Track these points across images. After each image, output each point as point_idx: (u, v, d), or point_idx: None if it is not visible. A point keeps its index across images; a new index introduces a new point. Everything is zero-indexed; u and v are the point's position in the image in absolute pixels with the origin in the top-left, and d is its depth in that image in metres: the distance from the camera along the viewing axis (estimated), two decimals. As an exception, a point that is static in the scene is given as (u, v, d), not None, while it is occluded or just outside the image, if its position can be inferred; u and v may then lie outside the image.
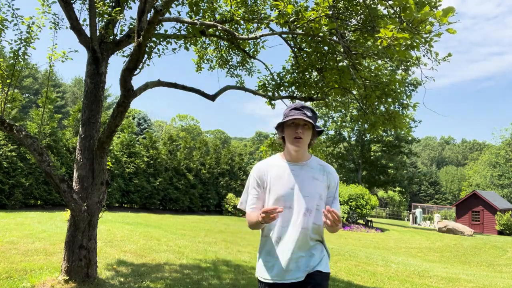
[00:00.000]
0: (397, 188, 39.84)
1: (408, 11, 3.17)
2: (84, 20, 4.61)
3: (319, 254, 2.11)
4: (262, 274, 2.10)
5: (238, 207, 2.25)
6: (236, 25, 5.79)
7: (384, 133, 33.13)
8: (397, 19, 3.53)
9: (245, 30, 5.95)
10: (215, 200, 22.59)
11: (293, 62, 6.17)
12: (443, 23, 3.06)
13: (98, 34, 4.50)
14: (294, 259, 2.04)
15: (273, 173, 2.13)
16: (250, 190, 2.19)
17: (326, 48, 5.35)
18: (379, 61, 5.69)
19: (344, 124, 34.67)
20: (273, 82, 6.38)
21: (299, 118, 2.03)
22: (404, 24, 3.25)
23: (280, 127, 2.19)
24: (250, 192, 2.18)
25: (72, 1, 4.38)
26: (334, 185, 2.18)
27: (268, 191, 2.13)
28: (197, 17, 5.19)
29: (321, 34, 4.38)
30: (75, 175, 4.47)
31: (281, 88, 6.32)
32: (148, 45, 4.33)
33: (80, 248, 4.23)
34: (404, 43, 3.06)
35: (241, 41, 5.99)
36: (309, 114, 2.06)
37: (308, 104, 2.14)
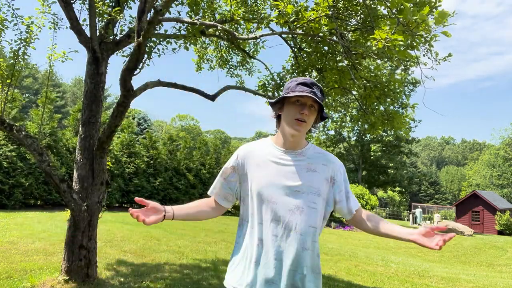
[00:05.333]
0: (397, 188, 39.86)
1: (404, 13, 3.18)
2: (84, 20, 4.61)
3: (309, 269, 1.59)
4: (235, 282, 1.61)
5: (208, 193, 1.85)
6: (236, 25, 5.79)
7: (384, 133, 33.14)
8: (396, 19, 3.53)
9: (245, 30, 5.96)
10: (215, 200, 22.61)
11: (293, 62, 6.18)
12: (438, 26, 3.07)
13: (98, 34, 4.50)
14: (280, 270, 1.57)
15: (256, 159, 1.70)
16: (221, 172, 1.78)
17: (326, 48, 5.36)
18: (379, 61, 5.69)
19: (344, 124, 34.66)
20: (273, 82, 6.38)
21: (308, 96, 1.60)
22: (401, 25, 3.25)
23: (279, 103, 1.71)
24: (218, 176, 1.79)
25: (72, 1, 4.38)
26: (341, 177, 1.71)
27: (249, 180, 1.68)
28: (197, 17, 5.19)
29: (321, 34, 4.38)
30: (75, 175, 4.47)
31: (281, 88, 6.33)
32: (148, 45, 4.34)
33: (80, 248, 4.23)
34: (398, 45, 3.06)
35: (241, 41, 5.99)
36: (319, 94, 1.64)
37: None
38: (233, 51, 6.70)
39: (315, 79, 6.09)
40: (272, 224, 1.59)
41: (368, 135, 34.44)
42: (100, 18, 4.49)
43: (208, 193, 1.82)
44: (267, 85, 6.38)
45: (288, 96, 1.63)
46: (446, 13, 2.92)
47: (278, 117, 1.72)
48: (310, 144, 1.74)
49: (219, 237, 10.63)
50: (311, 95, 1.58)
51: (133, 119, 39.09)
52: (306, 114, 1.60)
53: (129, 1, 4.88)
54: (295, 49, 5.94)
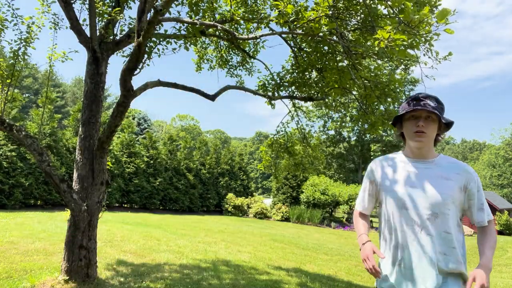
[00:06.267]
0: (397, 188, 39.75)
1: (406, 12, 3.18)
2: (84, 20, 4.61)
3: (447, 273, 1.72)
4: (379, 281, 1.93)
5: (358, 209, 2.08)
6: (236, 25, 5.79)
7: (384, 133, 33.16)
8: (396, 18, 3.53)
9: (245, 30, 5.95)
10: (215, 200, 22.60)
11: (293, 62, 6.18)
12: (440, 24, 3.07)
13: (98, 34, 4.50)
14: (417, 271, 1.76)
15: (388, 169, 1.88)
16: (361, 188, 2.04)
17: (326, 48, 5.35)
18: (379, 61, 5.69)
19: (344, 124, 34.67)
20: (273, 82, 6.38)
21: (420, 110, 1.74)
22: (402, 25, 3.25)
23: (398, 122, 1.90)
24: (360, 191, 2.04)
25: (72, 1, 4.38)
26: (475, 186, 1.77)
27: (383, 189, 1.88)
28: (197, 17, 5.18)
29: (321, 34, 4.38)
30: (75, 175, 4.46)
31: (281, 88, 6.33)
32: (148, 45, 4.33)
33: (80, 248, 4.23)
34: (400, 44, 3.06)
35: (241, 41, 5.99)
36: (432, 104, 1.76)
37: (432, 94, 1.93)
38: (233, 51, 6.70)
39: (315, 79, 6.09)
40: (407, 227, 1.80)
41: (368, 135, 34.45)
42: (100, 18, 4.49)
43: (356, 207, 2.07)
44: (267, 85, 6.38)
45: (402, 114, 1.82)
46: (447, 11, 2.91)
47: (402, 135, 1.91)
48: (442, 155, 1.87)
49: (219, 237, 10.63)
50: (423, 107, 1.73)
51: (133, 119, 39.10)
52: (422, 125, 1.75)
53: (129, 1, 4.87)
54: (295, 49, 5.94)
